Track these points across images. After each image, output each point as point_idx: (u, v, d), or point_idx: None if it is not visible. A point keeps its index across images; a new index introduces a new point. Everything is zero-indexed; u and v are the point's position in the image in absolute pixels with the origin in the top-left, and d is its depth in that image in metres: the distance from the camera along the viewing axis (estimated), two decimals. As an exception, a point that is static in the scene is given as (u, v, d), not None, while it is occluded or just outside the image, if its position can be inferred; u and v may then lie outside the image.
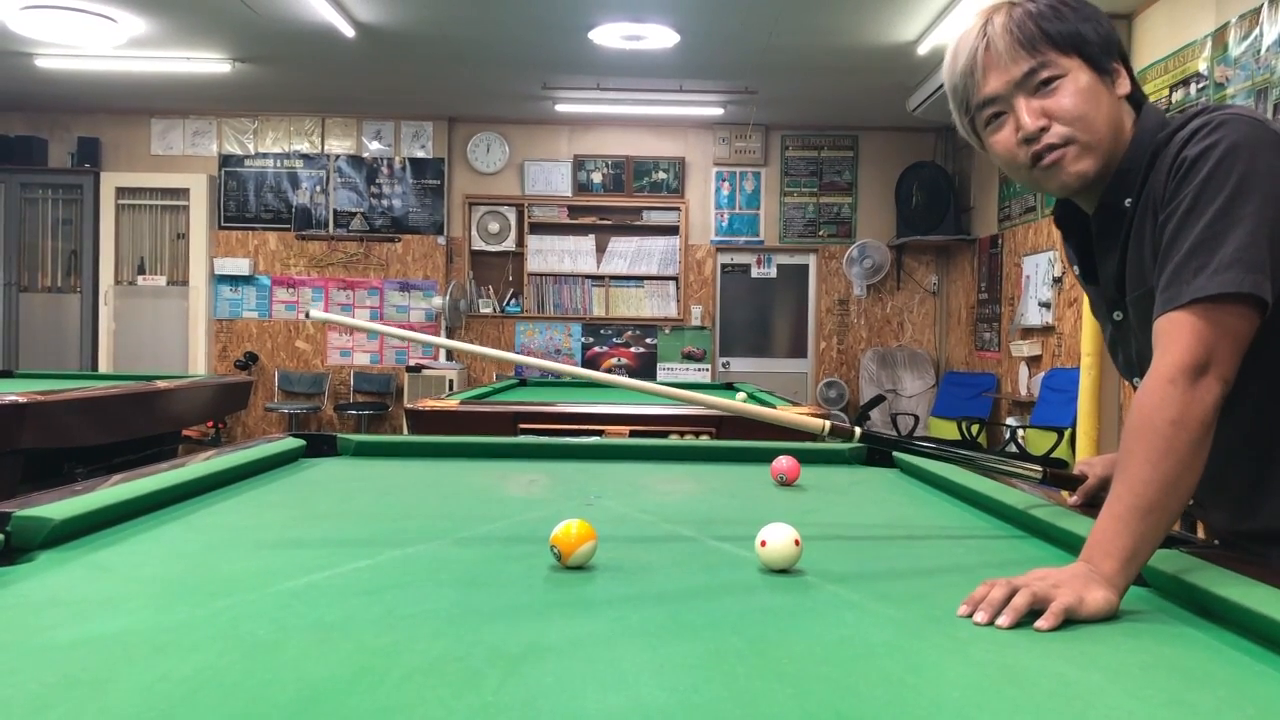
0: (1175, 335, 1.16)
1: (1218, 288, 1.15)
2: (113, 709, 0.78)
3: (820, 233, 9.11)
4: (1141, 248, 1.29)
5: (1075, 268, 1.50)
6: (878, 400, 8.43)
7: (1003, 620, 1.03)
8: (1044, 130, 1.28)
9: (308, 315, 1.47)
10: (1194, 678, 0.90)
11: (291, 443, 2.24)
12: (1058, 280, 6.68)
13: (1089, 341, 5.61)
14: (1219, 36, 4.83)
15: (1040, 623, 1.02)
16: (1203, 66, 4.96)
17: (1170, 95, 5.22)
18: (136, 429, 4.67)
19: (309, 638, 0.97)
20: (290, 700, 0.80)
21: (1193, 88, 5.05)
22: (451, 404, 3.71)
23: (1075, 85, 1.27)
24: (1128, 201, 1.31)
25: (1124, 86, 1.32)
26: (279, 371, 9.01)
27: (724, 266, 9.18)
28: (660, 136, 9.06)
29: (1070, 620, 1.03)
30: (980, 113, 1.33)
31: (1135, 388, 1.33)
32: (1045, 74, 1.27)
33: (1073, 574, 1.08)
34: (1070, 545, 1.38)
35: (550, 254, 9.07)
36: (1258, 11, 4.52)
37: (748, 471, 2.18)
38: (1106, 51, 1.30)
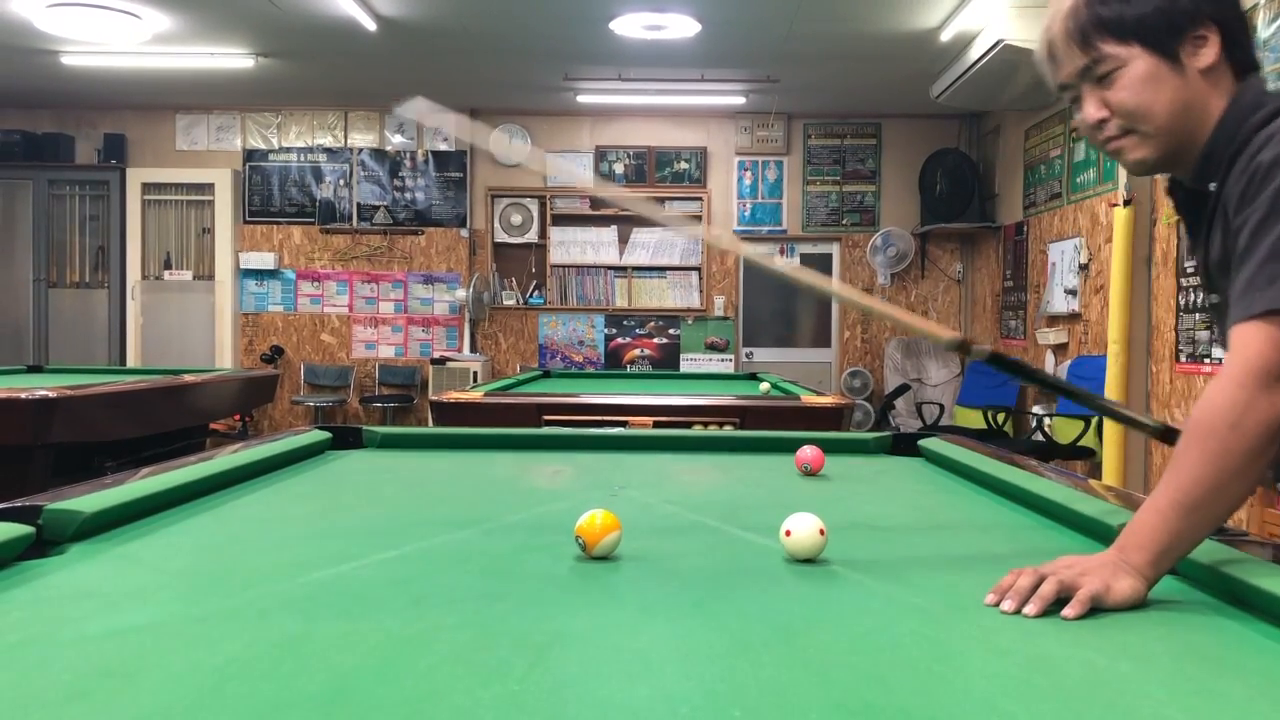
0: (1248, 341, 1.14)
1: None
2: (143, 699, 0.79)
3: (844, 221, 9.06)
4: (1216, 236, 1.29)
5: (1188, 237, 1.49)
6: (903, 389, 8.39)
7: (1030, 609, 1.02)
8: (1105, 121, 1.30)
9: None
10: (1225, 666, 0.89)
11: (317, 435, 2.26)
12: (1084, 267, 6.62)
13: (1116, 329, 5.55)
14: (1248, 18, 4.76)
15: (1066, 610, 1.02)
16: (1231, 49, 4.89)
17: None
18: (165, 423, 4.72)
19: (337, 628, 0.98)
20: (318, 690, 0.81)
21: (1221, 71, 4.98)
22: (476, 396, 3.72)
23: (1131, 76, 1.27)
24: (1212, 186, 1.29)
25: (1206, 58, 1.27)
26: (305, 365, 9.06)
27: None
28: (682, 126, 9.03)
29: (1098, 609, 1.03)
30: (1063, 94, 1.37)
31: None
32: (1100, 69, 1.28)
33: (1101, 562, 1.07)
34: (1099, 534, 1.38)
35: (573, 245, 9.07)
36: (1287, -8, 4.46)
37: (772, 461, 2.18)
38: (1172, 29, 1.26)
